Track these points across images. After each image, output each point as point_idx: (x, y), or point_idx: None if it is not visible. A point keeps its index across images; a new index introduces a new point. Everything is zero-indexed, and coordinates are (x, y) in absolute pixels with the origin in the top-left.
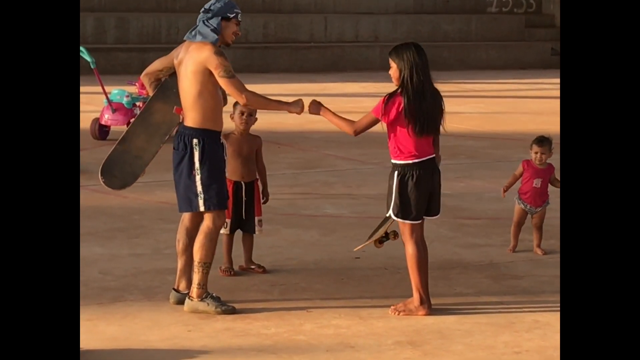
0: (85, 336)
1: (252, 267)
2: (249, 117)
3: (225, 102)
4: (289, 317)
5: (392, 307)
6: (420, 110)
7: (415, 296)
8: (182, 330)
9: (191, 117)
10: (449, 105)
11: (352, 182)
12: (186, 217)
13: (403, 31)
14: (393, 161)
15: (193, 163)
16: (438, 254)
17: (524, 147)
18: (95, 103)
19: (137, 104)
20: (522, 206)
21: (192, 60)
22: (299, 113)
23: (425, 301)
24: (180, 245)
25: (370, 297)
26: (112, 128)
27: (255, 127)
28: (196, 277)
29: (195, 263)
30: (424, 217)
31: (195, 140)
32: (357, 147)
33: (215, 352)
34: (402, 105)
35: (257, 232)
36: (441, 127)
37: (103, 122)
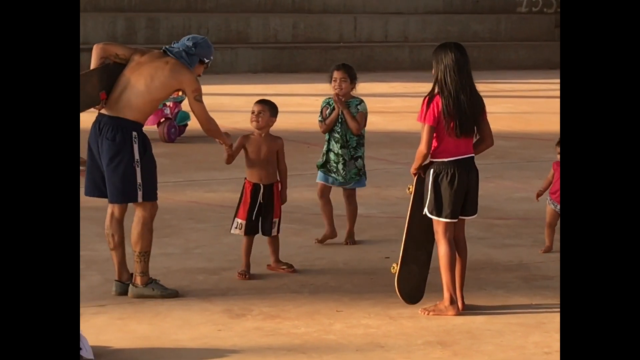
0: (116, 335)
1: (283, 267)
2: (259, 114)
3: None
4: (319, 316)
5: (422, 307)
6: (459, 110)
7: (446, 296)
8: (212, 329)
9: (133, 112)
10: None
11: (382, 182)
12: (116, 210)
13: (432, 31)
14: (430, 159)
15: (133, 155)
16: (468, 254)
17: (554, 148)
18: None
19: (168, 103)
20: (552, 207)
21: (170, 73)
22: (227, 145)
23: (455, 301)
24: (116, 238)
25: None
26: (143, 128)
27: (285, 127)
28: (138, 267)
29: (136, 254)
30: (460, 217)
31: (134, 133)
32: (386, 147)
33: (245, 351)
34: (440, 105)
35: (273, 234)
36: (486, 126)
37: None
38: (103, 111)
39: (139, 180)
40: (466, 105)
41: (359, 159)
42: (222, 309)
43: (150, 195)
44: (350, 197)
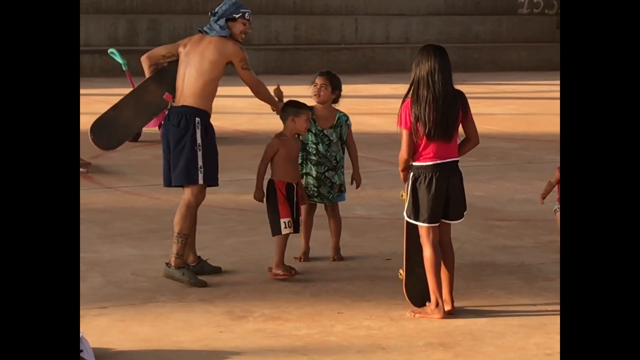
0: (117, 337)
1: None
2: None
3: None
4: (320, 318)
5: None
6: (430, 116)
7: (432, 299)
8: (213, 331)
9: (195, 99)
10: (479, 106)
11: (383, 183)
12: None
13: (434, 32)
14: (411, 163)
15: (195, 139)
16: (469, 255)
17: (556, 149)
18: None
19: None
20: None
21: (215, 50)
22: (277, 111)
23: (440, 305)
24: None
25: (401, 298)
26: (144, 130)
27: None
28: (175, 248)
29: (175, 234)
30: (443, 220)
31: (197, 119)
32: (388, 148)
33: (246, 353)
34: (411, 109)
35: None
36: (472, 126)
37: None
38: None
39: (199, 163)
40: (439, 110)
41: (340, 175)
42: (224, 311)
43: (210, 178)
44: (334, 211)
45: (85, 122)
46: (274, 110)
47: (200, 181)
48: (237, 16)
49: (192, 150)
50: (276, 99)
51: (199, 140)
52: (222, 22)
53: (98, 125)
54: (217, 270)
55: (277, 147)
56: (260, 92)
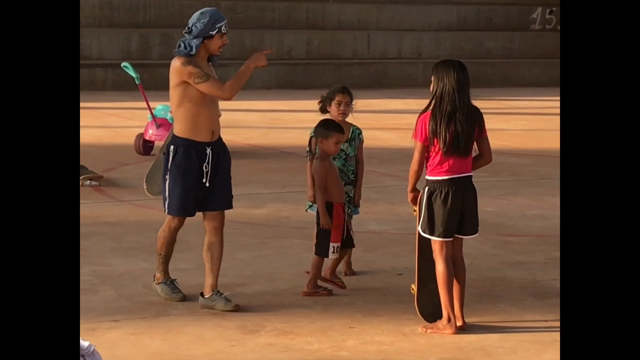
0: (129, 350)
1: (336, 280)
2: (337, 145)
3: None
4: (332, 333)
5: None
6: (449, 131)
7: (444, 315)
8: (225, 345)
9: (175, 125)
10: (491, 122)
11: (395, 198)
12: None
13: (446, 48)
14: (426, 177)
15: (166, 169)
16: (481, 271)
17: None
18: (139, 118)
19: None
20: None
21: (170, 74)
22: (260, 65)
23: (452, 320)
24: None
25: (413, 313)
26: (156, 143)
27: (299, 143)
28: (157, 264)
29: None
30: (456, 235)
31: (172, 147)
32: (399, 163)
33: None
34: (429, 124)
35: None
36: (486, 143)
37: (147, 138)
38: None
39: (166, 192)
40: (459, 126)
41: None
42: (236, 325)
43: (171, 209)
44: (348, 225)
45: (98, 135)
46: (260, 66)
47: (166, 211)
48: (213, 33)
49: (164, 179)
50: (247, 67)
51: (168, 170)
52: (197, 41)
53: (152, 172)
54: (227, 309)
55: (327, 169)
56: (233, 91)
